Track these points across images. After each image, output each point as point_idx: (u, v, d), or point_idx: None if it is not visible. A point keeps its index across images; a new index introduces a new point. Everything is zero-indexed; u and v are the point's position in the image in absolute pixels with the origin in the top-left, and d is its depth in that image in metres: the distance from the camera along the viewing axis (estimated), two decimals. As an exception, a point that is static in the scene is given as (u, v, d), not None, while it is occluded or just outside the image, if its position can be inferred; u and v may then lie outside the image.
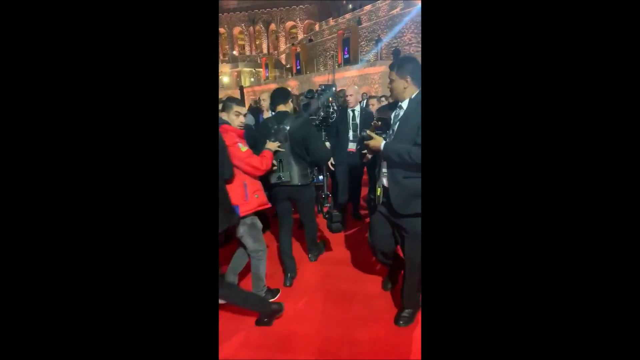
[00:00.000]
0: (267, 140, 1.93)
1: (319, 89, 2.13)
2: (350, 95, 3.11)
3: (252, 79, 26.57)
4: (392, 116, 1.53)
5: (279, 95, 2.08)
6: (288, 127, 1.94)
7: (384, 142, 1.45)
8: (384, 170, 1.53)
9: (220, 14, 29.73)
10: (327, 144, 2.06)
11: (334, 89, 2.10)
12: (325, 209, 2.05)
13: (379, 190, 1.54)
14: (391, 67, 1.50)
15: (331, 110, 2.15)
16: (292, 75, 21.15)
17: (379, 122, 1.52)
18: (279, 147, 1.93)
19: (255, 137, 2.10)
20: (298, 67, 20.05)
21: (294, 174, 1.97)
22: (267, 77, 23.29)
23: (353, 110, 3.10)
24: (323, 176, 2.12)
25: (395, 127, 1.49)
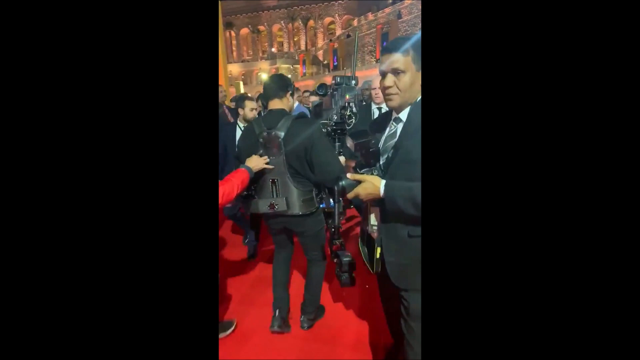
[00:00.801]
0: (253, 154, 1.35)
1: (333, 82, 1.47)
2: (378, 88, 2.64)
3: (290, 76, 26.89)
4: (383, 138, 0.96)
5: (273, 85, 1.39)
6: (283, 133, 1.32)
7: (383, 182, 0.87)
8: (373, 223, 0.99)
9: (260, 12, 30.37)
10: (342, 158, 1.41)
11: (353, 82, 1.43)
12: (335, 248, 1.32)
13: (378, 251, 0.98)
14: (389, 50, 0.87)
15: (348, 112, 1.52)
16: (329, 71, 21.12)
17: (357, 157, 0.96)
18: (267, 163, 1.34)
19: (239, 147, 1.50)
20: (335, 63, 19.97)
21: (292, 200, 1.37)
22: (305, 74, 23.46)
23: (380, 109, 2.39)
24: (335, 201, 1.39)
25: (391, 154, 0.92)
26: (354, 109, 1.57)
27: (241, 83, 23.30)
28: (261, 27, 30.79)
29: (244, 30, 31.24)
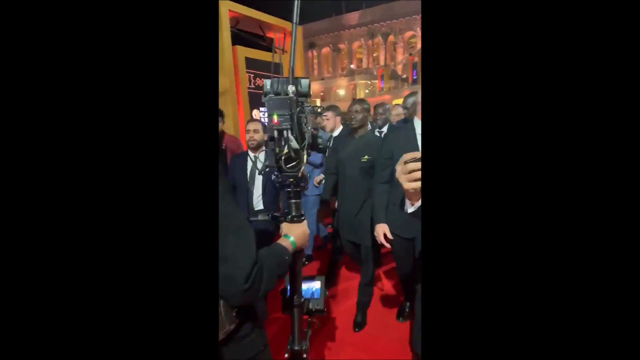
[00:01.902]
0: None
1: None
2: (326, 119, 2.51)
3: (367, 91, 27.07)
4: None
5: None
6: None
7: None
8: None
9: (341, 31, 31.47)
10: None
11: (291, 89, 0.77)
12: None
13: None
14: None
15: (285, 150, 0.76)
16: (407, 85, 20.64)
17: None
18: None
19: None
20: (414, 77, 19.45)
21: None
22: (382, 89, 23.35)
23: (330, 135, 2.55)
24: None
25: None
26: (293, 142, 0.76)
27: (318, 100, 24.24)
28: (341, 46, 31.81)
29: (325, 50, 32.69)
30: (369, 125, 2.30)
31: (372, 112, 3.04)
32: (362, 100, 2.15)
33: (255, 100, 4.60)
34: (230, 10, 4.60)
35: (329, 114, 2.70)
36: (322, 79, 31.60)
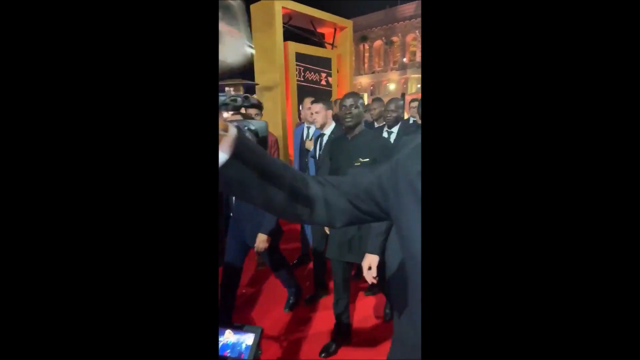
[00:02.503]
0: None
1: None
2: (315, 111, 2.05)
3: (419, 86, 26.08)
4: None
5: None
6: None
7: None
8: None
9: (395, 23, 30.55)
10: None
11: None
12: None
13: None
14: None
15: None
16: (463, 80, 19.47)
17: None
18: None
19: None
20: (471, 72, 18.31)
21: None
22: (435, 83, 22.26)
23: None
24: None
25: None
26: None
27: (366, 95, 23.84)
28: (394, 39, 30.90)
29: (377, 43, 32.01)
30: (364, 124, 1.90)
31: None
32: (354, 94, 1.75)
33: (304, 93, 4.75)
34: (283, 8, 4.76)
35: (318, 106, 2.20)
36: (373, 72, 31.06)
